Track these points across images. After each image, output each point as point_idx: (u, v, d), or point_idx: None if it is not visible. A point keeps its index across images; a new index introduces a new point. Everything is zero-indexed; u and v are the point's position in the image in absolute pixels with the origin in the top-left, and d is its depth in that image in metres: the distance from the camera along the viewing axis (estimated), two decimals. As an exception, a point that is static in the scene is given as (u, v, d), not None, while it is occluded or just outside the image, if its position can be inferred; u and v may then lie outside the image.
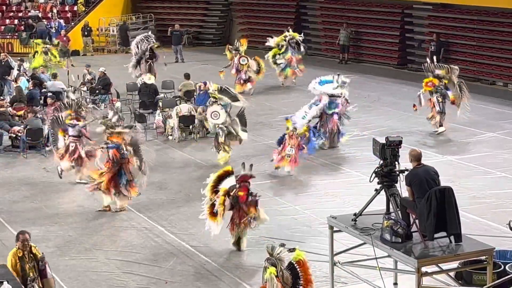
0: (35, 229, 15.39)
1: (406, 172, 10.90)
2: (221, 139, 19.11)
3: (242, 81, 27.09)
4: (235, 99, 20.15)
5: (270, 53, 28.35)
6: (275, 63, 28.28)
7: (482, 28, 30.03)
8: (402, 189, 11.06)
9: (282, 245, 10.71)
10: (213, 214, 13.93)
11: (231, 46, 28.36)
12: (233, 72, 27.42)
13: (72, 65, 26.39)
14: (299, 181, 18.21)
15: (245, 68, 27.24)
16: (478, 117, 23.64)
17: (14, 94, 24.38)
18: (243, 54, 27.52)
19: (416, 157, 10.91)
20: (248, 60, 27.31)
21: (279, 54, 28.17)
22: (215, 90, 20.02)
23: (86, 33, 37.63)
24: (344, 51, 33.87)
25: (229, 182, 14.03)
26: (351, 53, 34.06)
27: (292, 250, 10.71)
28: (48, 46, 28.88)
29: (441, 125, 21.77)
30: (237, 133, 19.24)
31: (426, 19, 32.23)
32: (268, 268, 10.43)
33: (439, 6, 31.65)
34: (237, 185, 13.87)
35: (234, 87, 24.45)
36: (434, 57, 23.04)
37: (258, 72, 27.52)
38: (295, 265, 10.73)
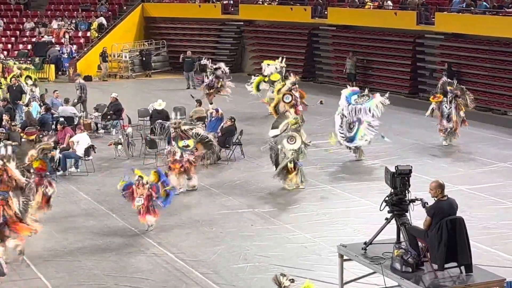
0: (44, 254, 15.42)
1: (418, 202, 10.84)
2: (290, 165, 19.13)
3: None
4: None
5: (255, 81, 28.11)
6: (258, 89, 28.04)
7: (493, 58, 30.06)
8: (413, 218, 11.02)
9: (283, 275, 10.67)
10: None
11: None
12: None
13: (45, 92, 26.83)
14: (309, 209, 18.15)
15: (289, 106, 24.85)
16: (490, 147, 23.59)
17: (24, 119, 24.48)
18: (283, 93, 25.21)
19: (442, 187, 10.74)
20: (292, 98, 24.80)
21: (264, 82, 27.83)
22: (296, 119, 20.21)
23: (105, 58, 37.84)
24: (351, 79, 33.86)
25: None
26: (360, 81, 34.02)
27: (292, 280, 10.66)
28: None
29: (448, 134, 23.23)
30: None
31: (438, 49, 32.28)
32: None
33: (451, 36, 31.70)
34: None
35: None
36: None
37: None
38: None
